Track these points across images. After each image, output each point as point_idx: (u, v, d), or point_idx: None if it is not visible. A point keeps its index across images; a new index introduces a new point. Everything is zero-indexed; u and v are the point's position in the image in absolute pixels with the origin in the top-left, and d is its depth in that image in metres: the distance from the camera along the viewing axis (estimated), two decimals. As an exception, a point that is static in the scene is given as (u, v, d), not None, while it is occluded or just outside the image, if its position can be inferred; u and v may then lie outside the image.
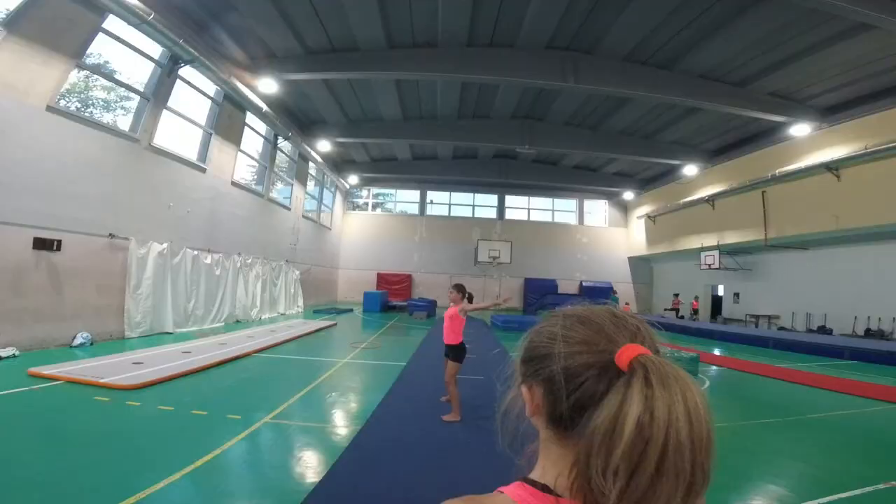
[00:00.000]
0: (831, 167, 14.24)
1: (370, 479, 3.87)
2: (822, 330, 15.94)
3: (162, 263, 11.04)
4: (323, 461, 4.24)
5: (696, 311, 22.08)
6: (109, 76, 10.05)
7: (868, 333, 14.54)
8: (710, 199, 20.05)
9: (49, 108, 8.00)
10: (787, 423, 5.86)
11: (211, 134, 13.16)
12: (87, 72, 9.60)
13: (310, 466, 4.13)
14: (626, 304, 26.18)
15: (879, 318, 14.51)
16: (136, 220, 10.28)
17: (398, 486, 3.78)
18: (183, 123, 12.06)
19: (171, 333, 11.14)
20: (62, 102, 8.65)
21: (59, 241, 8.39)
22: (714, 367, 10.12)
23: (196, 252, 12.50)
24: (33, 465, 3.60)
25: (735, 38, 11.64)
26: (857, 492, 3.64)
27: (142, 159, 10.36)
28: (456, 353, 5.63)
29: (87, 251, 9.05)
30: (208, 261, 13.10)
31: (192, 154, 12.58)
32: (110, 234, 9.55)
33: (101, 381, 6.10)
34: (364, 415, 5.71)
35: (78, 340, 8.75)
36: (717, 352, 12.89)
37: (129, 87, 10.30)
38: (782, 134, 15.81)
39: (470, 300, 6.21)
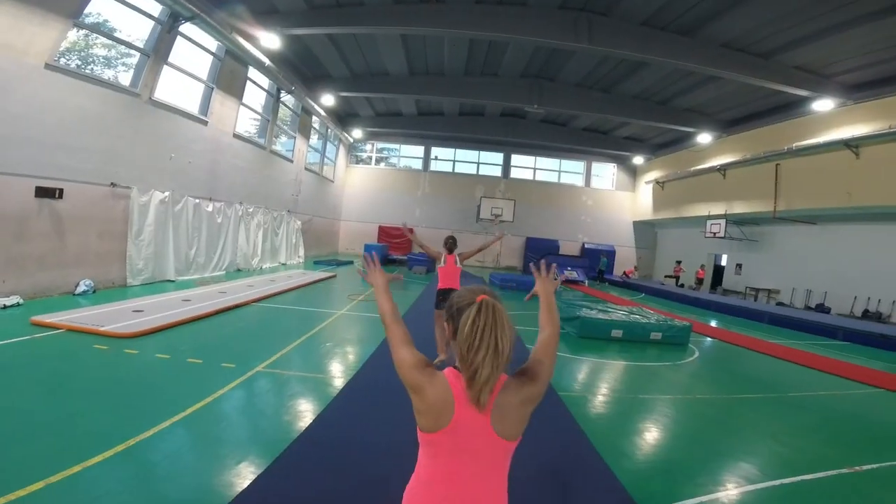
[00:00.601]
0: (851, 144, 13.94)
1: (357, 426, 4.03)
2: (820, 308, 15.99)
3: (163, 211, 11.11)
4: (312, 409, 4.42)
5: (700, 281, 21.96)
6: (108, 34, 9.88)
7: (865, 315, 14.59)
8: (722, 169, 19.77)
9: (48, 66, 8.00)
10: (768, 400, 5.99)
11: (213, 88, 13.01)
12: (86, 31, 9.50)
13: (299, 414, 4.31)
14: (635, 267, 26.40)
15: (879, 300, 14.52)
16: (138, 171, 10.37)
17: (383, 433, 3.94)
18: (185, 78, 11.94)
19: (172, 281, 11.31)
20: (62, 61, 8.63)
21: (61, 190, 8.46)
22: (707, 339, 10.23)
23: (197, 200, 12.54)
24: (32, 413, 3.76)
25: (764, 10, 11.21)
26: (821, 474, 3.76)
27: (143, 113, 10.39)
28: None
29: (88, 199, 9.13)
30: (210, 209, 13.15)
31: (193, 107, 12.56)
32: (112, 183, 9.60)
33: (101, 329, 6.25)
34: (356, 365, 5.90)
35: (81, 288, 8.88)
36: (713, 323, 13.01)
37: (128, 45, 10.15)
38: (803, 108, 15.44)
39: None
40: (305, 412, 4.38)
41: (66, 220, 8.68)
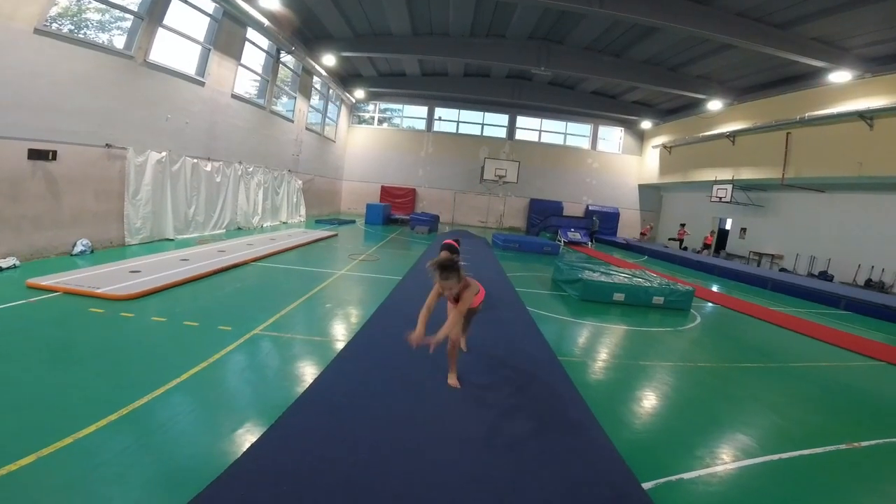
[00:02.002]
0: (866, 115, 13.66)
1: (354, 391, 3.98)
2: (823, 275, 15.86)
3: (161, 171, 10.98)
4: (310, 373, 4.38)
5: (707, 246, 21.52)
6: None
7: (868, 284, 14.45)
8: (731, 135, 19.47)
9: (37, 31, 7.79)
10: (769, 370, 5.94)
11: (210, 49, 12.65)
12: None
13: (296, 378, 4.26)
14: (650, 227, 26.12)
15: (883, 270, 14.40)
16: (134, 132, 10.26)
17: (380, 398, 3.90)
18: (181, 39, 11.61)
19: (171, 240, 11.27)
20: (54, 26, 8.43)
21: (55, 152, 8.34)
22: (709, 304, 10.13)
23: (196, 160, 12.40)
24: (24, 382, 3.69)
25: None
26: (820, 450, 3.70)
27: (138, 75, 10.20)
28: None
29: (83, 160, 9.04)
30: (208, 168, 12.99)
31: (190, 69, 12.30)
32: (107, 144, 9.49)
33: (97, 291, 6.16)
34: (356, 327, 5.85)
35: (78, 248, 8.81)
36: (714, 288, 12.94)
37: (122, 8, 9.78)
38: (817, 79, 15.19)
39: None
40: (303, 376, 4.33)
41: (61, 181, 8.57)
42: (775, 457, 3.53)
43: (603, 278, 8.92)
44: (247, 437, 3.16)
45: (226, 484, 2.61)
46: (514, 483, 2.87)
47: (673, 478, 3.12)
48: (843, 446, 3.81)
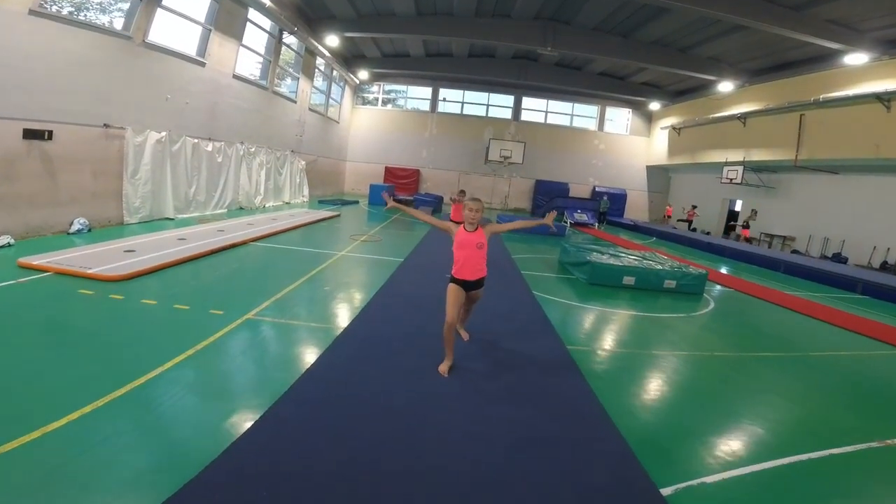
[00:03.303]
0: (883, 98, 13.21)
1: (349, 383, 3.76)
2: (837, 258, 15.48)
3: (160, 150, 10.80)
4: (302, 362, 4.14)
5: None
6: None
7: (884, 267, 14.09)
8: (742, 117, 18.96)
9: (32, 12, 7.60)
10: (788, 360, 5.65)
11: (210, 30, 12.31)
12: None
13: (286, 368, 4.02)
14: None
15: (899, 252, 14.03)
16: (133, 112, 10.09)
17: (374, 391, 3.67)
18: (181, 20, 11.33)
19: (172, 219, 11.11)
20: (53, 8, 8.29)
21: (51, 132, 8.16)
22: (722, 288, 9.78)
23: (196, 140, 12.19)
24: (1, 365, 3.51)
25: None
26: (848, 448, 3.42)
27: (136, 55, 9.97)
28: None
29: (81, 140, 8.87)
30: (209, 148, 12.76)
31: (191, 49, 12.05)
32: (105, 124, 9.31)
33: (89, 272, 5.96)
34: (354, 312, 5.60)
35: (75, 227, 8.63)
36: (723, 270, 12.63)
37: None
38: (833, 61, 14.68)
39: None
40: (296, 365, 4.10)
41: (57, 160, 8.40)
42: (803, 457, 3.25)
43: (612, 261, 8.63)
44: (231, 431, 2.93)
45: (203, 484, 2.40)
46: (520, 489, 2.63)
47: (694, 482, 2.86)
48: (874, 444, 3.54)
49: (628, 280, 8.26)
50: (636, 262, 8.80)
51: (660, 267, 8.60)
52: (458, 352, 4.38)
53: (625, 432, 3.32)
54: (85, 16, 9.23)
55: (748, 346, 6.16)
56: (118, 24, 9.72)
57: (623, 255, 9.59)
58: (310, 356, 4.27)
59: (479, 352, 4.70)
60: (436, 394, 3.72)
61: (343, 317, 5.53)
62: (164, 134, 10.76)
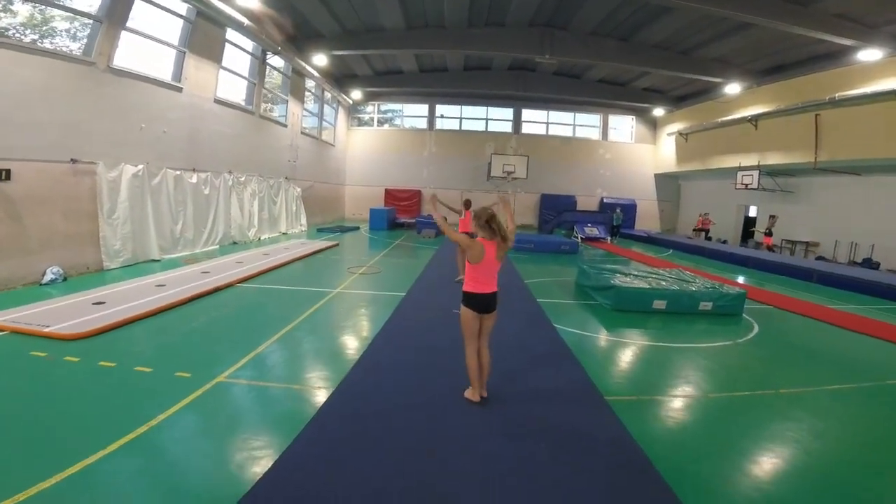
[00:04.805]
0: None
1: (325, 474, 2.93)
2: (867, 263, 14.52)
3: (138, 186, 10.01)
4: (281, 439, 3.33)
5: (770, 248, 17.65)
6: (50, 1, 8.52)
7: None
8: (753, 119, 18.15)
9: None
10: (865, 392, 4.74)
11: (185, 52, 11.61)
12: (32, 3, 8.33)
13: (260, 448, 3.23)
14: (705, 214, 22.44)
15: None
16: (103, 144, 9.30)
17: (361, 486, 2.84)
18: (152, 43, 10.69)
19: (158, 261, 10.32)
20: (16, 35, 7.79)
21: (8, 171, 7.40)
22: (759, 306, 8.68)
23: (178, 172, 11.40)
24: None
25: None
26: None
27: (101, 82, 9.22)
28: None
29: (45, 178, 8.09)
30: (194, 180, 11.99)
31: (165, 74, 11.30)
32: (72, 160, 8.52)
33: (45, 330, 5.23)
34: (342, 369, 4.71)
35: (48, 277, 7.85)
36: (750, 282, 11.68)
37: (72, 10, 8.89)
38: (846, 58, 14.02)
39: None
40: (273, 442, 3.30)
41: (21, 202, 7.62)
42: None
43: (638, 283, 7.74)
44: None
45: None
46: None
47: None
48: None
49: (659, 304, 7.35)
50: (666, 284, 7.90)
51: (694, 288, 7.69)
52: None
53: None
54: (52, 43, 8.62)
55: (812, 377, 5.22)
56: (78, 49, 9.04)
57: (648, 275, 8.70)
58: (292, 428, 3.44)
59: (502, 408, 3.83)
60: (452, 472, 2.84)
61: (333, 373, 4.65)
62: (140, 167, 10.00)
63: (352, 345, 5.63)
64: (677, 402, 4.42)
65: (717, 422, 4.02)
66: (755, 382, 4.95)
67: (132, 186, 9.79)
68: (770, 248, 17.42)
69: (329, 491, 2.76)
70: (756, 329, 7.03)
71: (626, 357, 5.77)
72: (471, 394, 4.02)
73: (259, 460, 3.08)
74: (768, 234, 17.48)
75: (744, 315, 7.66)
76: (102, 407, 3.73)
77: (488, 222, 3.84)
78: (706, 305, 7.40)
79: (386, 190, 25.77)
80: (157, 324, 5.97)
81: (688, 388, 4.76)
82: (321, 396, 4.07)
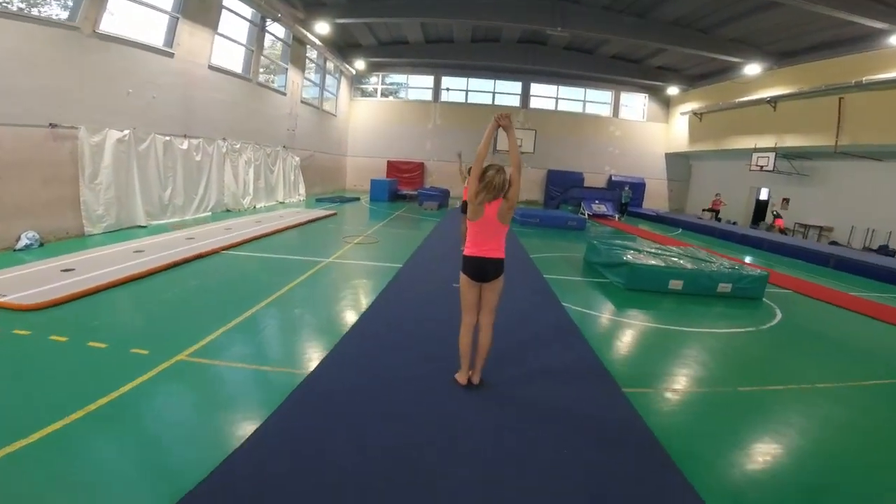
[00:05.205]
0: None
1: (292, 462, 2.49)
2: (884, 250, 13.88)
3: (124, 151, 9.50)
4: (240, 431, 2.82)
5: (782, 230, 17.63)
6: None
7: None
8: (773, 101, 17.38)
9: None
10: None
11: (178, 18, 10.96)
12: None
13: (214, 444, 2.70)
14: (718, 194, 22.01)
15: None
16: (87, 110, 8.83)
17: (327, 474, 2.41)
18: (144, 8, 10.11)
19: (144, 227, 9.83)
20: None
21: (-17, 136, 6.90)
22: (778, 290, 8.05)
23: (168, 138, 10.88)
24: None
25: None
26: None
27: (87, 48, 8.71)
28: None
29: (24, 143, 7.61)
30: (185, 146, 11.45)
31: (157, 39, 10.73)
32: (50, 124, 8.01)
33: (2, 300, 4.70)
34: (323, 348, 4.19)
35: (23, 242, 7.33)
36: (747, 259, 11.01)
37: None
38: (875, 41, 13.37)
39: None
40: (225, 439, 2.77)
41: (-5, 167, 7.14)
42: None
43: (653, 261, 7.15)
44: None
45: None
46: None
47: None
48: None
49: (675, 284, 6.78)
50: (683, 263, 7.31)
51: (713, 268, 7.10)
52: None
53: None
54: (40, 11, 8.10)
55: (846, 370, 4.68)
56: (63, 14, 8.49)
57: (662, 252, 8.11)
58: (254, 421, 2.93)
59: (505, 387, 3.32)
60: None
61: (311, 355, 4.14)
62: (126, 132, 9.46)
63: (337, 320, 5.10)
64: (702, 395, 3.89)
65: (748, 420, 3.49)
66: (785, 374, 4.41)
67: (117, 151, 9.28)
68: (782, 231, 16.89)
69: (295, 480, 2.38)
70: (779, 315, 6.44)
71: (641, 341, 5.23)
72: (459, 376, 3.63)
73: (211, 452, 2.57)
74: (778, 216, 17.10)
75: (764, 299, 7.08)
76: (41, 387, 3.23)
77: (482, 176, 3.38)
78: (725, 287, 6.83)
79: (388, 161, 25.15)
80: (125, 293, 5.46)
81: (713, 380, 4.22)
82: (291, 380, 3.55)
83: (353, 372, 3.74)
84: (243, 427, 2.87)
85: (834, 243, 15.39)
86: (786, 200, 18.21)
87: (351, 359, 3.99)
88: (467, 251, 3.50)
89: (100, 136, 8.89)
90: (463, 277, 3.49)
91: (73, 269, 5.96)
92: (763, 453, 3.03)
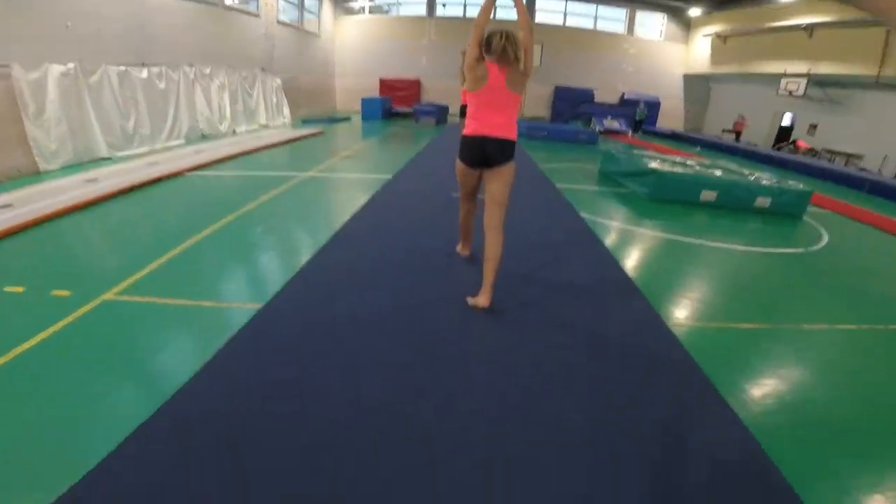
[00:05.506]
0: None
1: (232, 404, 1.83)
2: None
3: (71, 84, 8.48)
4: (167, 385, 2.07)
5: (808, 151, 16.88)
6: None
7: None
8: (808, 27, 15.91)
9: None
10: None
11: None
12: None
13: (135, 401, 2.02)
14: (742, 117, 20.60)
15: None
16: (17, 46, 7.81)
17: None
18: None
19: (109, 158, 8.93)
20: None
21: None
22: (821, 211, 6.99)
23: (123, 68, 9.80)
24: None
25: None
26: None
27: None
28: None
29: None
30: (144, 75, 10.38)
31: None
32: None
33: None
34: (286, 270, 3.43)
35: (-36, 184, 6.51)
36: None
37: None
38: None
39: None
40: (151, 395, 2.08)
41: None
42: None
43: (682, 170, 6.20)
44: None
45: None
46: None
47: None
48: None
49: (707, 195, 5.89)
50: (716, 172, 6.36)
51: (751, 179, 6.16)
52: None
53: None
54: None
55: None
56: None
57: (690, 163, 7.14)
58: (180, 369, 2.21)
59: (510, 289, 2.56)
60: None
61: (265, 284, 3.36)
62: (71, 66, 8.42)
63: (305, 240, 4.32)
64: (756, 332, 3.10)
65: (831, 375, 2.72)
66: (852, 310, 3.62)
67: (62, 86, 8.27)
68: (809, 151, 15.91)
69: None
70: (826, 237, 5.57)
71: (670, 259, 4.41)
72: (459, 247, 3.67)
73: (132, 410, 1.84)
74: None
75: (804, 218, 6.21)
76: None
77: (488, 41, 2.73)
78: (763, 201, 5.94)
79: (381, 80, 23.52)
80: (58, 228, 4.61)
81: (767, 313, 3.43)
82: (244, 313, 2.78)
83: (325, 298, 2.97)
84: (166, 385, 2.12)
85: (863, 170, 14.38)
86: (813, 127, 17.07)
87: (319, 282, 3.24)
88: (466, 130, 2.81)
89: (39, 71, 7.88)
90: (459, 166, 2.90)
91: (10, 205, 5.11)
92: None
